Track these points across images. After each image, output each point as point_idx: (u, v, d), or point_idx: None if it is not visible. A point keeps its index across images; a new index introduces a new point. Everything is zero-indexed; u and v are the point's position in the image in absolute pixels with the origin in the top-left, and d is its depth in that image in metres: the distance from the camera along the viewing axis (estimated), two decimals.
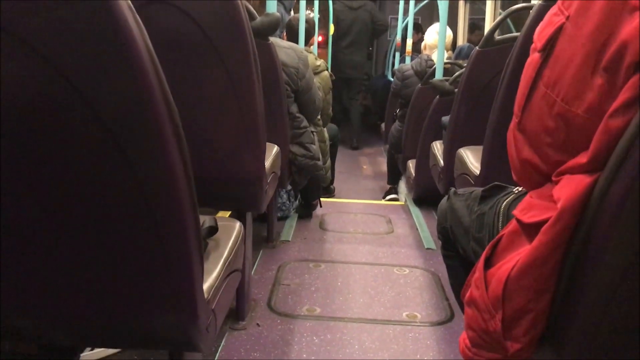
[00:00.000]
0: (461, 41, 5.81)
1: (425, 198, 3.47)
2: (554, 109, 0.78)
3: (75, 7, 0.72)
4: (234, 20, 1.49)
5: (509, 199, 1.12)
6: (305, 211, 3.26)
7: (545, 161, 0.83)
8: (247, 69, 1.57)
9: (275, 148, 2.15)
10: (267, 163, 1.88)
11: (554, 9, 0.80)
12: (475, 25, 5.95)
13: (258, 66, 1.62)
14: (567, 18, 0.76)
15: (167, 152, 0.82)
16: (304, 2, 3.70)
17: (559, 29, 0.77)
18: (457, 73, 3.01)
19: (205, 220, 1.15)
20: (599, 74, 0.71)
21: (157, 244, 0.91)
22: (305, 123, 2.71)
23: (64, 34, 0.73)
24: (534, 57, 0.83)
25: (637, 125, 0.65)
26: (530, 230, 0.83)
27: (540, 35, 0.81)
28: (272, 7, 2.11)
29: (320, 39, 5.95)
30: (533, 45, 0.84)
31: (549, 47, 0.79)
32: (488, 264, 0.92)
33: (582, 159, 0.74)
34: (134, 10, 0.77)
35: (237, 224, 1.31)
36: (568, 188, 0.76)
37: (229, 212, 2.56)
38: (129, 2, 0.76)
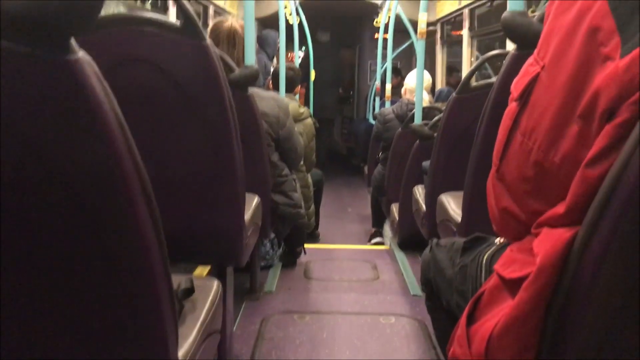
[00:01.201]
0: (439, 84, 5.93)
1: (411, 242, 3.45)
2: (531, 157, 0.78)
3: (38, 75, 0.71)
4: (209, 74, 1.49)
5: (490, 251, 1.11)
6: (290, 259, 3.21)
7: (524, 210, 0.83)
8: (224, 121, 1.57)
9: (256, 198, 2.13)
10: (248, 215, 1.86)
11: (530, 60, 0.82)
12: (453, 68, 6.08)
13: (235, 118, 1.62)
14: (543, 68, 0.77)
15: (136, 219, 0.79)
16: (284, 51, 3.76)
17: (535, 78, 0.78)
18: (435, 118, 3.04)
19: (181, 281, 1.12)
20: (574, 122, 0.71)
21: (128, 310, 0.88)
22: (286, 171, 2.71)
23: (26, 102, 0.72)
24: (511, 107, 0.84)
25: (614, 178, 0.65)
26: (511, 285, 0.82)
27: (517, 84, 0.82)
28: (250, 59, 2.13)
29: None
30: (510, 95, 0.84)
31: (525, 96, 0.80)
32: (471, 319, 0.90)
33: (560, 209, 0.74)
34: (100, 74, 0.75)
35: (215, 283, 1.28)
36: (547, 243, 0.75)
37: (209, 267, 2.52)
38: (94, 65, 0.75)
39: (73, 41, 0.71)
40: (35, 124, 0.72)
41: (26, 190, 0.75)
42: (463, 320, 0.90)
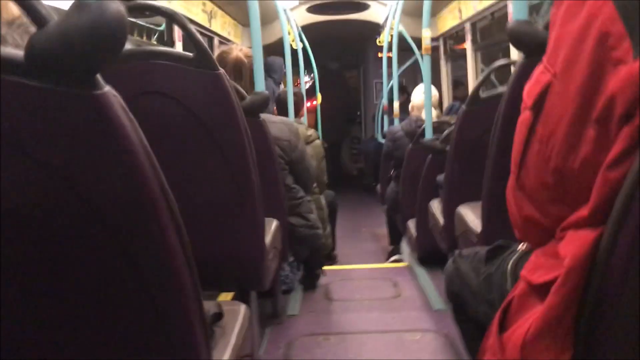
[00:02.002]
0: (446, 98, 5.95)
1: (429, 257, 3.44)
2: (549, 163, 0.78)
3: (66, 109, 0.73)
4: (224, 103, 1.52)
5: (514, 258, 1.11)
6: (310, 282, 3.21)
7: (546, 216, 0.83)
8: (241, 148, 1.59)
9: (275, 222, 2.14)
10: (268, 239, 1.87)
11: (539, 68, 0.82)
12: (459, 81, 6.11)
13: (251, 144, 1.64)
14: (554, 75, 0.77)
15: (168, 246, 0.81)
16: (290, 76, 3.81)
17: (547, 87, 0.79)
18: (446, 131, 3.05)
19: (210, 307, 1.13)
20: (591, 126, 0.71)
21: (163, 337, 0.89)
22: (301, 193, 2.73)
23: (56, 136, 0.74)
24: (525, 115, 0.84)
25: (635, 177, 0.65)
26: (540, 290, 0.82)
27: (530, 93, 0.83)
28: (260, 86, 2.17)
29: (308, 104, 6.14)
30: (523, 104, 0.85)
31: (539, 105, 0.80)
32: (502, 328, 0.90)
33: (584, 212, 0.74)
34: (125, 107, 0.78)
35: (243, 307, 1.29)
36: (573, 245, 0.75)
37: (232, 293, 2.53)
38: (120, 98, 0.77)
39: (99, 76, 0.74)
40: (67, 157, 0.74)
41: (59, 223, 0.77)
42: (494, 328, 0.90)
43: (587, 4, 0.72)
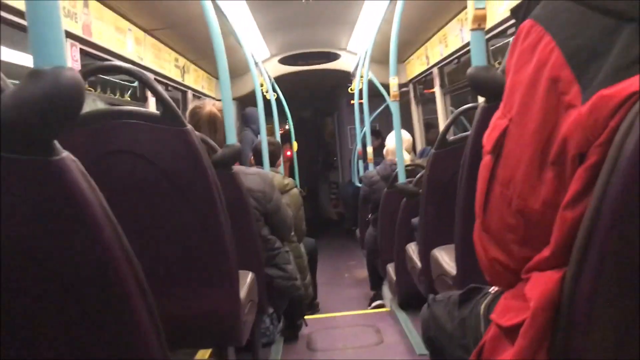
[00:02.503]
0: (418, 141, 6.04)
1: (411, 301, 3.41)
2: (512, 206, 0.79)
3: (24, 176, 0.73)
4: (191, 158, 1.52)
5: (487, 301, 1.11)
6: (291, 333, 3.16)
7: (512, 258, 0.84)
8: (211, 202, 1.59)
9: (250, 275, 2.12)
10: (243, 292, 1.84)
11: (497, 113, 0.85)
12: (430, 124, 6.21)
13: (222, 197, 1.64)
14: (510, 120, 0.80)
15: (132, 310, 0.80)
16: (264, 127, 3.85)
17: (504, 131, 0.81)
18: (419, 175, 3.08)
19: None
20: (548, 168, 0.73)
21: None
22: (278, 244, 2.71)
23: (15, 205, 0.74)
24: (486, 160, 0.86)
25: (592, 217, 0.67)
26: (510, 333, 0.82)
27: (489, 138, 0.85)
28: (231, 139, 2.18)
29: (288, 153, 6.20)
30: (484, 149, 0.87)
31: (498, 149, 0.82)
32: None
33: (546, 253, 0.75)
34: (85, 171, 0.78)
35: None
36: (538, 286, 0.76)
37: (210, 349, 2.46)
38: (79, 163, 0.77)
39: (56, 142, 0.74)
40: (26, 225, 0.73)
41: (23, 290, 0.76)
42: None
43: (537, 51, 0.75)
